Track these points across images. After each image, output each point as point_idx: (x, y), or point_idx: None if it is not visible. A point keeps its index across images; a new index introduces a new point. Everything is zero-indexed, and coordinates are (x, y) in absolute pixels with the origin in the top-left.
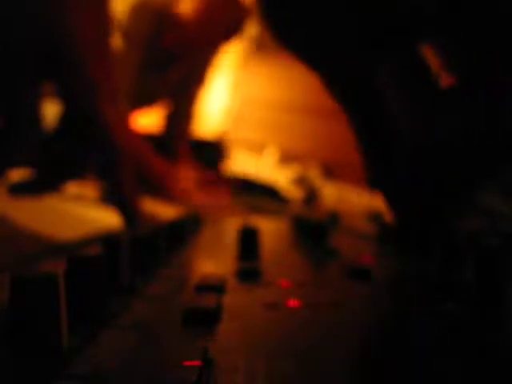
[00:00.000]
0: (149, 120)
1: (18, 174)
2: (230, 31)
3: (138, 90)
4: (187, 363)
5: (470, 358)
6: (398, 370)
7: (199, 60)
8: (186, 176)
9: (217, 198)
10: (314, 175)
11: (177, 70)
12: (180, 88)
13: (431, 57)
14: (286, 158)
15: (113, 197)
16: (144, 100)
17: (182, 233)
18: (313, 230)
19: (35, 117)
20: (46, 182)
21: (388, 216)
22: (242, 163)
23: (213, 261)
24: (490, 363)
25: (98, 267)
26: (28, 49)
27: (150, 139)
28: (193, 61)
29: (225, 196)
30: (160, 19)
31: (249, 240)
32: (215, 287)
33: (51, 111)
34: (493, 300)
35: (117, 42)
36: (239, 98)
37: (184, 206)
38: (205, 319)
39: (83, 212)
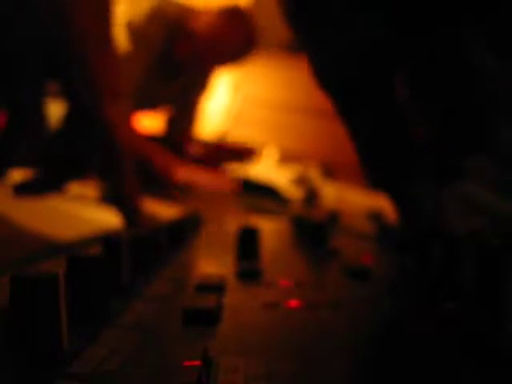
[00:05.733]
0: (150, 122)
1: (20, 174)
2: (239, 53)
3: (143, 93)
4: (187, 363)
5: (471, 358)
6: (397, 369)
7: (204, 69)
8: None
9: (217, 178)
10: (314, 175)
11: (183, 78)
12: (183, 93)
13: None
14: (286, 158)
15: (113, 196)
16: (148, 103)
17: (182, 233)
18: (313, 230)
19: (38, 117)
20: (48, 182)
21: (388, 216)
22: (242, 163)
23: (213, 261)
24: (490, 363)
25: (98, 267)
26: (31, 48)
27: (151, 140)
28: (198, 70)
29: (224, 175)
30: (174, 29)
31: (249, 240)
32: (215, 287)
33: (54, 111)
34: (493, 300)
35: (126, 43)
36: (239, 98)
37: (184, 206)
38: (205, 319)
39: (83, 212)
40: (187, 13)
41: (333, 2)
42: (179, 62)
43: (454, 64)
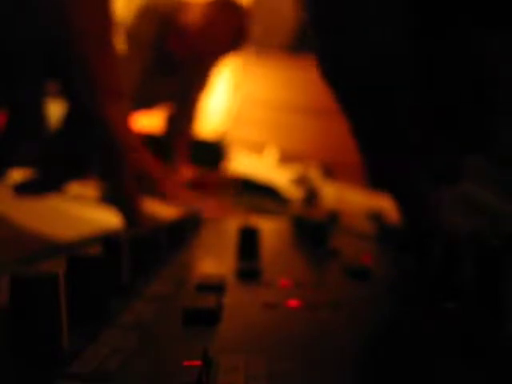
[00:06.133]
0: (150, 121)
1: (20, 174)
2: (230, 44)
3: (141, 92)
4: (187, 363)
5: (470, 357)
6: (397, 369)
7: (202, 66)
8: (180, 177)
9: (205, 201)
10: (314, 175)
11: (180, 75)
12: (182, 91)
13: None
14: (286, 158)
15: (113, 196)
16: (146, 102)
17: (182, 233)
18: (313, 230)
19: (38, 117)
20: (48, 182)
21: (388, 216)
22: (242, 163)
23: (213, 261)
24: (490, 363)
25: (98, 267)
26: (31, 48)
27: (151, 139)
28: (196, 66)
29: (213, 199)
30: (166, 24)
31: (249, 240)
32: (215, 287)
33: (54, 111)
34: (493, 300)
35: (120, 43)
36: (239, 98)
37: (184, 206)
38: (205, 319)
39: (83, 212)
40: (178, 6)
41: (349, 7)
42: (173, 56)
43: (453, 64)
